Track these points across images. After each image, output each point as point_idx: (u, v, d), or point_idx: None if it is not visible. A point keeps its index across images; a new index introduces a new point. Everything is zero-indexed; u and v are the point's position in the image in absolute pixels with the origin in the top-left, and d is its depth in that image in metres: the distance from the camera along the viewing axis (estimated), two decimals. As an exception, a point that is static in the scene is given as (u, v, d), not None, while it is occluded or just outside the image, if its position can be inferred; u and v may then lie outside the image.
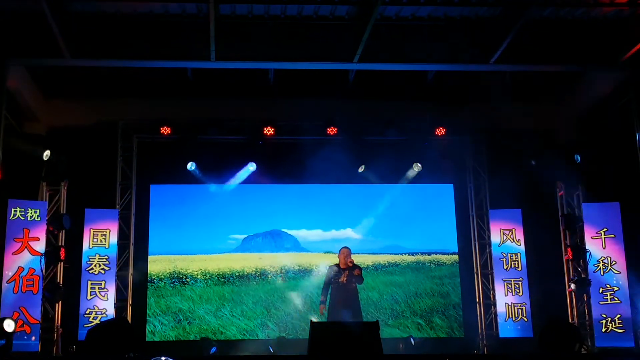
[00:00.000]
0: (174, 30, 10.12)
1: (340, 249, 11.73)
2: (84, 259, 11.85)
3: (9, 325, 8.98)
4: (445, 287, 12.95)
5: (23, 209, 11.16)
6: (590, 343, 11.67)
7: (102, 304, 11.77)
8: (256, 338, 12.38)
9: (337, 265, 11.44)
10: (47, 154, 11.25)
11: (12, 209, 11.07)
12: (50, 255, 11.22)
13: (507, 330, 12.25)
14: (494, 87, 11.82)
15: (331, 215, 13.08)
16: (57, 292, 11.23)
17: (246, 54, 10.39)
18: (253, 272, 12.85)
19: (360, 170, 12.72)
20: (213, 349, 11.65)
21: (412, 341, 11.94)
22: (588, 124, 12.42)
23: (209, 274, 12.77)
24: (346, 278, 11.17)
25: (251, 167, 12.67)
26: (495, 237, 12.60)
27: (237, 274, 12.84)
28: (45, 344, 11.16)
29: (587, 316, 11.91)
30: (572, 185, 12.30)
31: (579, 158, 11.93)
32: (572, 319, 11.90)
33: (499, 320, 12.33)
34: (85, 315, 11.65)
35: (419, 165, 12.72)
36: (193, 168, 12.45)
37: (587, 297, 11.90)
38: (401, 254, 13.11)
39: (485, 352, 12.32)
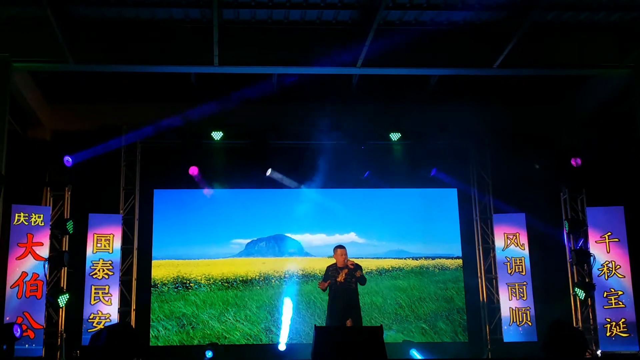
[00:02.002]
0: (177, 35, 10.12)
1: (336, 249, 11.17)
2: (88, 264, 11.86)
3: (16, 331, 8.95)
4: (449, 292, 12.93)
5: (27, 214, 11.15)
6: (594, 347, 11.64)
7: (105, 309, 11.78)
8: (260, 343, 12.36)
9: (335, 265, 10.99)
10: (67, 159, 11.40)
11: (16, 214, 11.06)
12: (54, 260, 11.21)
13: (511, 334, 12.22)
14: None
15: (335, 219, 13.07)
16: (60, 297, 11.22)
17: (249, 58, 10.39)
18: (257, 277, 12.84)
19: (365, 175, 12.74)
20: (208, 353, 11.67)
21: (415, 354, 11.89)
22: (592, 127, 12.40)
23: (212, 278, 12.77)
24: (344, 277, 10.76)
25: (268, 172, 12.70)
26: (499, 242, 12.59)
27: (240, 278, 12.83)
28: (49, 349, 11.15)
29: (591, 320, 11.89)
30: (576, 189, 12.28)
31: (579, 162, 11.95)
32: (577, 323, 11.87)
33: (503, 324, 12.31)
34: (89, 320, 11.66)
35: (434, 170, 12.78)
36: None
37: (591, 302, 11.87)
38: (405, 259, 13.09)
39: (490, 357, 12.30)
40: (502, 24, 10.03)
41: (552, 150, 12.55)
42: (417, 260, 13.11)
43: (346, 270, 10.65)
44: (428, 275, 13.03)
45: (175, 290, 12.64)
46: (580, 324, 11.85)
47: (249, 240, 13.03)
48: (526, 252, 12.44)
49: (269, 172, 12.70)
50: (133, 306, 12.14)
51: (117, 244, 12.07)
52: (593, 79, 11.74)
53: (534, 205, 12.44)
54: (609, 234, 11.86)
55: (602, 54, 10.53)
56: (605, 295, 11.69)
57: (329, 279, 11.04)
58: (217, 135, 12.32)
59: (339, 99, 11.98)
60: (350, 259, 10.90)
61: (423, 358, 11.76)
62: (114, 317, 11.81)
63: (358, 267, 10.87)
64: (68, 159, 11.47)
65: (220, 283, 12.75)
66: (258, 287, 12.78)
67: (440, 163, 12.71)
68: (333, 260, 11.29)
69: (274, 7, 9.59)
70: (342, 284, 10.67)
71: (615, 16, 10.02)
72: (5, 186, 9.93)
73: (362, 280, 10.90)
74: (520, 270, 12.40)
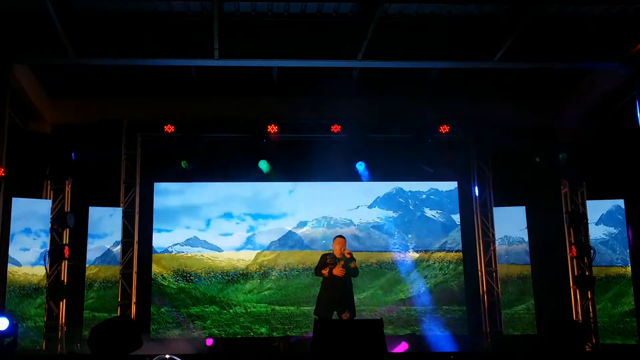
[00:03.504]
0: (178, 29, 10.10)
1: (335, 238, 10.81)
2: (88, 257, 11.87)
3: (1, 324, 8.94)
4: (449, 285, 12.94)
5: (27, 207, 11.18)
6: (594, 340, 11.67)
7: (106, 302, 11.82)
8: (260, 336, 12.38)
9: (332, 254, 10.62)
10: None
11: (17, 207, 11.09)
12: (55, 253, 11.23)
13: (511, 327, 12.25)
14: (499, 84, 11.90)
15: (335, 212, 13.09)
16: (61, 290, 11.25)
17: (250, 52, 10.37)
18: (257, 270, 12.85)
19: (360, 168, 12.68)
20: (209, 342, 11.76)
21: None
22: (592, 121, 12.40)
23: (212, 272, 12.77)
24: (341, 269, 10.40)
25: (262, 164, 12.63)
26: (499, 235, 12.61)
27: (241, 272, 12.84)
28: (50, 342, 11.17)
29: (591, 313, 11.91)
30: (576, 182, 12.29)
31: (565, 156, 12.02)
32: (577, 316, 11.90)
33: (503, 317, 12.33)
34: (90, 314, 11.69)
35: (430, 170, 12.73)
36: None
37: (591, 295, 11.90)
38: (405, 252, 13.09)
39: (490, 350, 12.32)
40: (503, 17, 10.01)
41: (553, 144, 12.54)
42: (417, 253, 13.12)
43: (342, 262, 10.47)
44: (428, 268, 13.04)
45: (176, 283, 12.65)
46: (580, 316, 11.88)
47: (249, 234, 13.04)
48: (526, 245, 12.46)
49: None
50: (133, 299, 12.15)
51: (118, 237, 12.09)
52: (594, 72, 11.73)
53: (534, 198, 12.45)
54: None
55: (603, 47, 10.51)
56: (605, 289, 11.79)
57: (327, 267, 10.60)
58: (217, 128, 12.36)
59: (339, 92, 11.98)
60: (347, 250, 10.66)
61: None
62: (115, 311, 11.84)
63: (353, 258, 10.58)
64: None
65: (220, 276, 12.76)
66: (258, 280, 12.80)
67: (441, 156, 12.69)
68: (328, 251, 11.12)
69: (274, -1, 9.59)
70: (338, 276, 10.45)
71: (617, 9, 10.00)
72: (6, 179, 9.94)
73: (355, 272, 10.68)
74: (521, 263, 12.42)
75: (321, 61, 10.68)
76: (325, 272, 10.50)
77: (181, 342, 12.18)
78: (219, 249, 12.95)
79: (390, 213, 13.19)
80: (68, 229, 11.60)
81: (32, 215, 11.39)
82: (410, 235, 13.20)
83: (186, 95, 12.35)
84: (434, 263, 13.05)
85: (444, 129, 12.46)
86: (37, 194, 11.63)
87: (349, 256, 10.40)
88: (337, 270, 10.39)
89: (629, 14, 10.10)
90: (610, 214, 12.35)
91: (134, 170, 12.58)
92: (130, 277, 12.18)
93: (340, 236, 10.77)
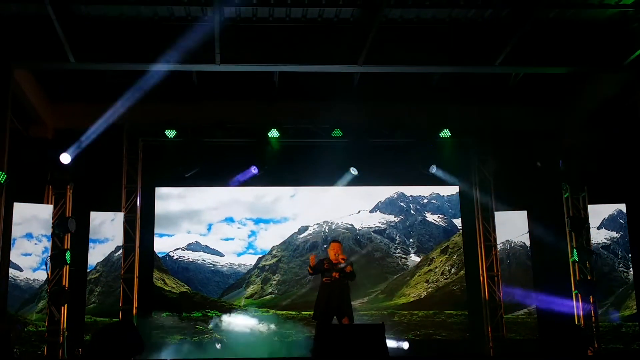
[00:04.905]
0: (179, 34, 10.11)
1: (330, 243, 10.45)
2: (90, 262, 11.87)
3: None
4: (450, 289, 12.93)
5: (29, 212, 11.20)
6: (596, 345, 11.64)
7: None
8: (261, 338, 12.37)
9: (328, 259, 10.22)
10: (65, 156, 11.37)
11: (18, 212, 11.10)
12: (56, 258, 11.23)
13: (512, 331, 12.23)
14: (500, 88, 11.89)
15: (337, 217, 13.10)
16: (62, 295, 11.24)
17: (251, 57, 10.37)
18: (257, 273, 12.85)
19: (353, 172, 12.63)
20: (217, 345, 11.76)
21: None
22: (594, 125, 12.39)
23: (214, 276, 12.77)
24: (337, 274, 10.03)
25: (253, 169, 12.62)
26: (500, 239, 12.60)
27: (242, 275, 12.85)
28: (51, 347, 11.17)
29: (593, 318, 11.89)
30: (578, 187, 12.28)
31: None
32: (578, 321, 11.87)
33: (504, 321, 12.32)
34: (91, 318, 11.67)
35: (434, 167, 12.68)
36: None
37: (593, 299, 11.87)
38: (406, 256, 13.09)
39: (492, 354, 12.30)
40: (504, 21, 10.02)
41: (554, 148, 12.54)
42: (418, 257, 13.12)
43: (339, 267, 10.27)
44: (430, 272, 13.04)
45: (177, 287, 12.65)
46: (582, 321, 11.85)
47: (251, 239, 13.06)
48: (528, 249, 12.45)
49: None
50: (135, 304, 12.14)
51: (119, 241, 12.08)
52: (595, 76, 11.73)
53: (535, 202, 12.45)
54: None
55: (605, 52, 10.52)
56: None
57: (320, 272, 10.23)
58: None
59: (340, 97, 11.98)
60: (342, 255, 10.44)
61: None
62: (116, 315, 11.83)
63: (348, 262, 10.18)
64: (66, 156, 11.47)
65: (221, 281, 12.76)
66: (260, 285, 12.80)
67: (442, 161, 12.68)
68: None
69: (275, 5, 9.58)
70: (334, 281, 10.26)
71: (618, 15, 10.00)
72: (8, 184, 9.94)
73: (351, 276, 10.48)
74: (522, 267, 12.42)
75: (322, 66, 10.67)
76: (309, 269, 10.37)
77: (183, 346, 12.18)
78: (220, 254, 12.96)
79: (392, 217, 13.20)
80: (69, 234, 11.61)
81: (33, 220, 11.45)
82: (411, 240, 13.22)
83: (187, 100, 12.35)
84: (436, 267, 13.05)
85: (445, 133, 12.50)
86: (38, 199, 11.64)
87: (342, 261, 10.18)
88: (311, 258, 10.24)
89: (629, 18, 10.10)
90: (612, 219, 12.37)
91: (135, 174, 12.58)
92: (132, 281, 12.17)
93: (335, 241, 10.57)
